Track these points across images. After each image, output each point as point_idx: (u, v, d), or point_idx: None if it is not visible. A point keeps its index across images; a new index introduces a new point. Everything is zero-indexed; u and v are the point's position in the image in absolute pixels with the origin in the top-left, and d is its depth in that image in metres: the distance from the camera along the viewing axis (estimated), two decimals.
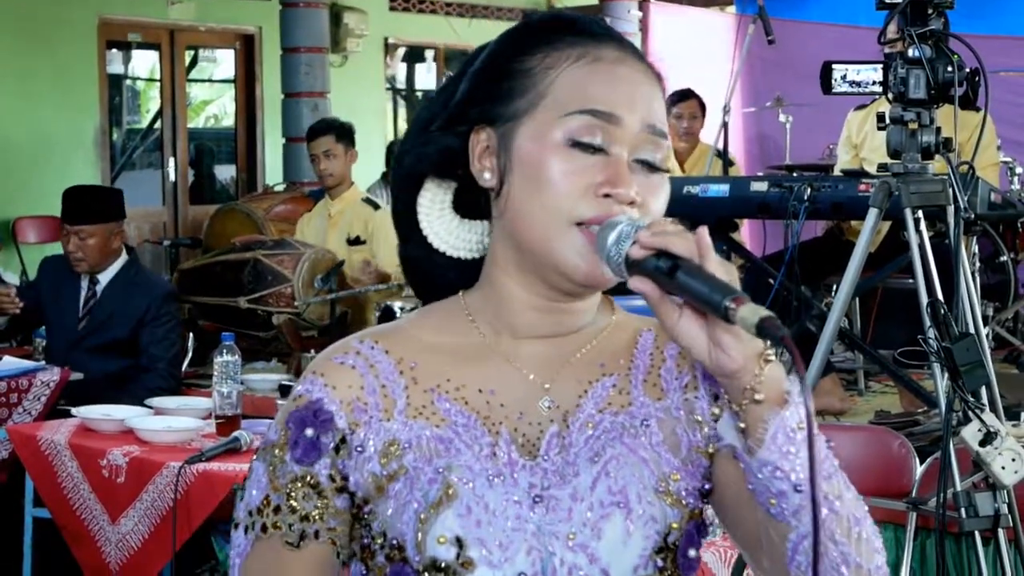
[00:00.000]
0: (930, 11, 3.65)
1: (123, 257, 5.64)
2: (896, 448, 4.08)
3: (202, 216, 11.17)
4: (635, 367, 1.57)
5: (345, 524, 1.51)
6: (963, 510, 3.60)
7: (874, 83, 3.89)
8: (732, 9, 12.02)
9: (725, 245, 7.05)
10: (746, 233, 8.53)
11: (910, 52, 3.67)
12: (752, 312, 1.33)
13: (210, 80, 13.90)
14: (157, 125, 12.56)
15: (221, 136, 13.64)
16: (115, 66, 12.49)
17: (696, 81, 8.48)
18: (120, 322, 5.52)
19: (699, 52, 9.72)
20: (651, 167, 1.49)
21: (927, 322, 3.59)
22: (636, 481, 1.49)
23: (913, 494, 3.88)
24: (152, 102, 12.95)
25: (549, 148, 1.47)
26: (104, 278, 5.60)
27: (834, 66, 4.01)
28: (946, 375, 3.59)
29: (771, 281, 5.61)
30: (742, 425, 1.41)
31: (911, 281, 3.85)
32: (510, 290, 1.54)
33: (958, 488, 3.60)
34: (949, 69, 3.65)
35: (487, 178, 1.52)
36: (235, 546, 1.54)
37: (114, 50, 12.31)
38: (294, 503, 1.49)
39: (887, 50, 3.94)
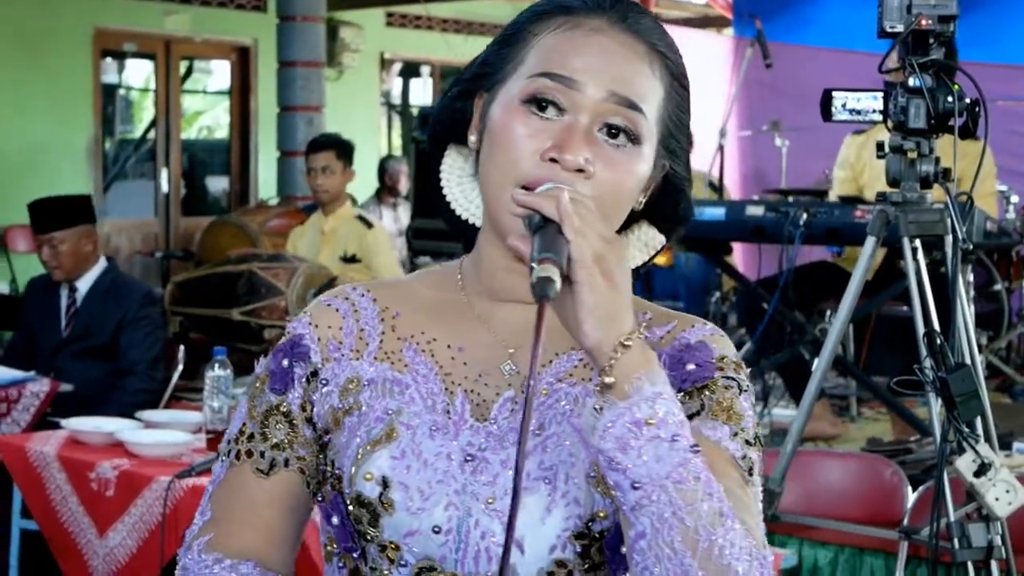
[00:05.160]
0: (931, 41, 3.65)
1: (101, 264, 5.66)
2: (888, 476, 4.08)
3: (194, 228, 11.17)
4: None
5: (313, 454, 1.56)
6: (956, 540, 3.59)
7: (874, 111, 3.88)
8: (729, 32, 12.03)
9: (719, 267, 7.08)
10: (740, 256, 8.52)
11: (911, 81, 3.66)
12: (538, 271, 1.29)
13: (204, 91, 13.90)
14: (150, 135, 12.55)
15: (214, 148, 13.63)
16: (109, 75, 12.49)
17: (692, 103, 8.46)
18: (101, 328, 5.54)
19: (695, 74, 9.69)
20: (614, 135, 1.46)
21: (923, 352, 3.58)
22: (569, 461, 1.47)
23: (905, 523, 3.88)
24: (146, 112, 12.95)
25: (509, 111, 1.48)
26: (83, 286, 5.61)
27: (834, 94, 4.00)
28: (941, 404, 3.58)
29: (764, 306, 5.61)
30: (596, 406, 1.35)
31: (905, 308, 3.85)
32: (488, 252, 1.56)
33: (951, 518, 3.59)
34: (950, 99, 3.64)
35: (472, 141, 1.55)
36: (212, 476, 1.60)
37: (109, 59, 12.31)
38: (267, 431, 1.56)
39: (886, 79, 3.94)
